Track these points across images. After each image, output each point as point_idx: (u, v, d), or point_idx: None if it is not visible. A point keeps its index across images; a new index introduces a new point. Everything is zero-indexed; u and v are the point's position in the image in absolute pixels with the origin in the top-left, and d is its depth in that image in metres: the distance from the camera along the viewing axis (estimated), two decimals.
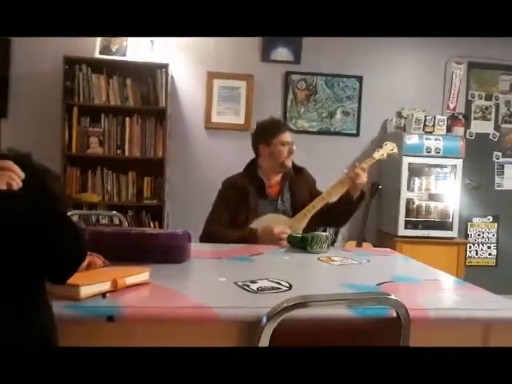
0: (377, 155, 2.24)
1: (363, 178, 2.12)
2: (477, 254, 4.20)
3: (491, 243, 4.22)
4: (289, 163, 2.27)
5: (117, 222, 3.37)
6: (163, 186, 3.56)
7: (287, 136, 2.27)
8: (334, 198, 2.18)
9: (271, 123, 2.34)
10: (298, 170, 2.35)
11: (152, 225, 3.60)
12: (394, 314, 1.04)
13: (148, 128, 3.58)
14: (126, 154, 3.57)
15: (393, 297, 1.02)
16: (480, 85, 4.16)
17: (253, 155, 2.36)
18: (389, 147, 2.28)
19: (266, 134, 2.29)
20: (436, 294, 1.33)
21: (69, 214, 2.47)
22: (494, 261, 4.20)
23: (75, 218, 2.62)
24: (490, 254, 4.21)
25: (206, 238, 2.14)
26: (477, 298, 1.29)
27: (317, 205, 2.13)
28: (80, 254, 0.94)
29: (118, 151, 3.57)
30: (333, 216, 2.21)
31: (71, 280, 1.10)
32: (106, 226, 3.32)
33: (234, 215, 2.17)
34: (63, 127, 3.44)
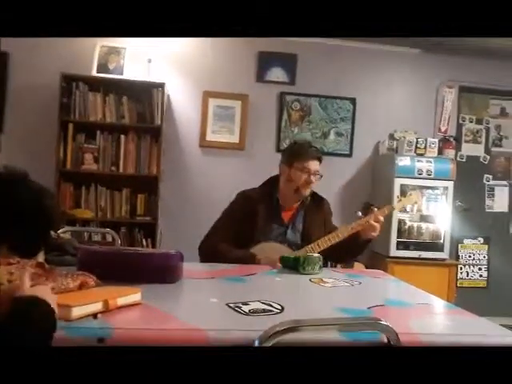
0: (398, 206, 2.19)
1: (377, 229, 2.05)
2: (468, 276, 4.22)
3: (482, 265, 4.24)
4: (305, 192, 2.16)
5: (109, 238, 3.36)
6: (157, 204, 3.56)
7: (311, 164, 2.14)
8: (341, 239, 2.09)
9: (300, 146, 2.24)
10: (317, 201, 2.25)
11: (145, 242, 3.59)
12: (385, 339, 1.05)
13: (143, 145, 3.60)
14: (121, 170, 3.58)
15: (384, 322, 1.03)
16: (471, 109, 4.23)
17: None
18: (413, 199, 2.19)
19: (290, 155, 2.20)
20: (427, 319, 1.34)
21: (61, 230, 2.46)
22: (485, 282, 4.23)
23: (68, 235, 2.61)
24: (480, 276, 4.24)
25: (205, 248, 2.09)
26: (467, 323, 1.29)
27: (322, 245, 2.05)
28: None
29: (113, 168, 3.58)
30: (338, 254, 2.14)
31: (63, 300, 1.10)
32: (99, 243, 3.31)
33: (240, 231, 2.08)
34: (58, 143, 3.45)
